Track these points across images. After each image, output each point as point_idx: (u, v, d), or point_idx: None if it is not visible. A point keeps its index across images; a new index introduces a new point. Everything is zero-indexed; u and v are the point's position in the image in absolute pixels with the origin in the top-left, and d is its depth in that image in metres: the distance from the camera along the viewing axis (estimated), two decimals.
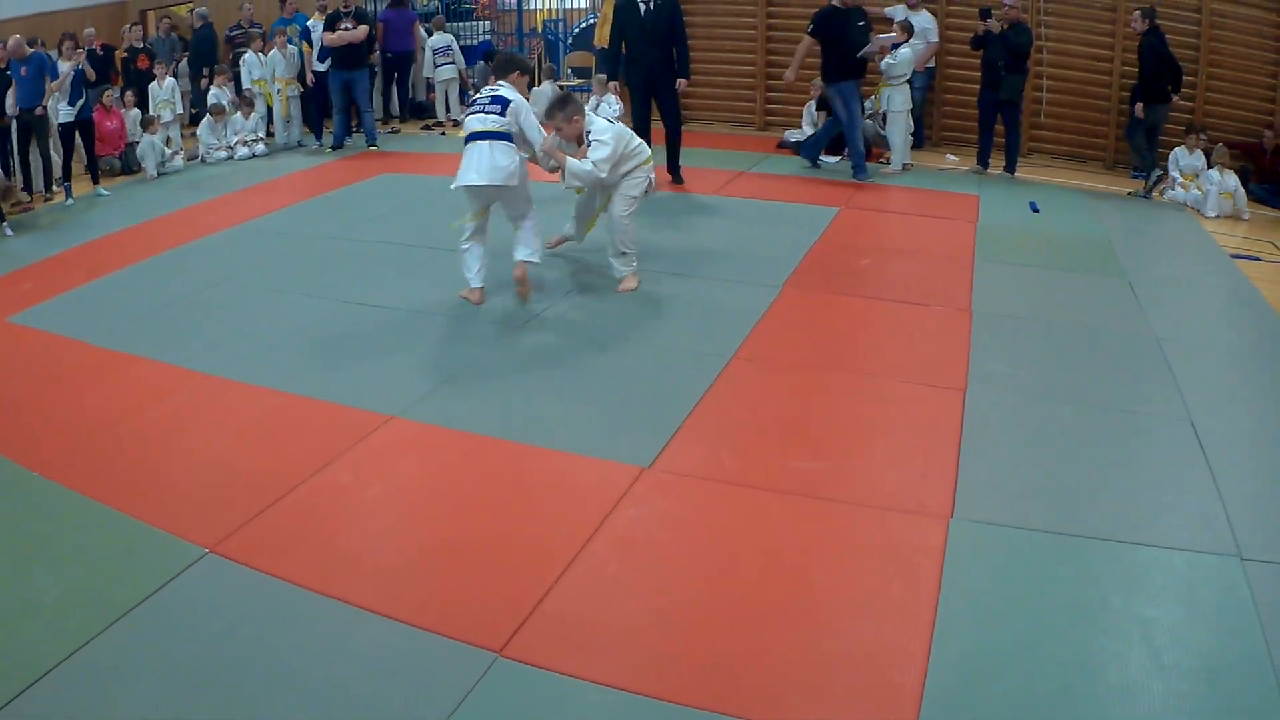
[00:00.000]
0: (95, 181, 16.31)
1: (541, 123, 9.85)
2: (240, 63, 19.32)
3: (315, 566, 5.91)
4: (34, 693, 5.01)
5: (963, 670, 4.84)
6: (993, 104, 15.05)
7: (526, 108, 9.64)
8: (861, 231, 12.12)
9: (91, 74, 16.31)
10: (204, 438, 7.65)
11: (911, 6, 16.30)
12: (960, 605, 5.31)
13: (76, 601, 5.76)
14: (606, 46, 18.27)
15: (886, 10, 16.73)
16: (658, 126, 14.58)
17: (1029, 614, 5.26)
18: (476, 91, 18.43)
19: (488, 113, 9.52)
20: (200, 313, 10.22)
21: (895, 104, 15.17)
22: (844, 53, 14.17)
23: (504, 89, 9.74)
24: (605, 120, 9.88)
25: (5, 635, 5.50)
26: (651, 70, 14.21)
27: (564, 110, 9.73)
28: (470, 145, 9.50)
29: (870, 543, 5.93)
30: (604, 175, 9.62)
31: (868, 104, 16.14)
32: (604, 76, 17.97)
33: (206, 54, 20.04)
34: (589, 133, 9.65)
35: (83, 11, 22.96)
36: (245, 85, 19.04)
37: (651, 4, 13.97)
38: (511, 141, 9.48)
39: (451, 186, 9.64)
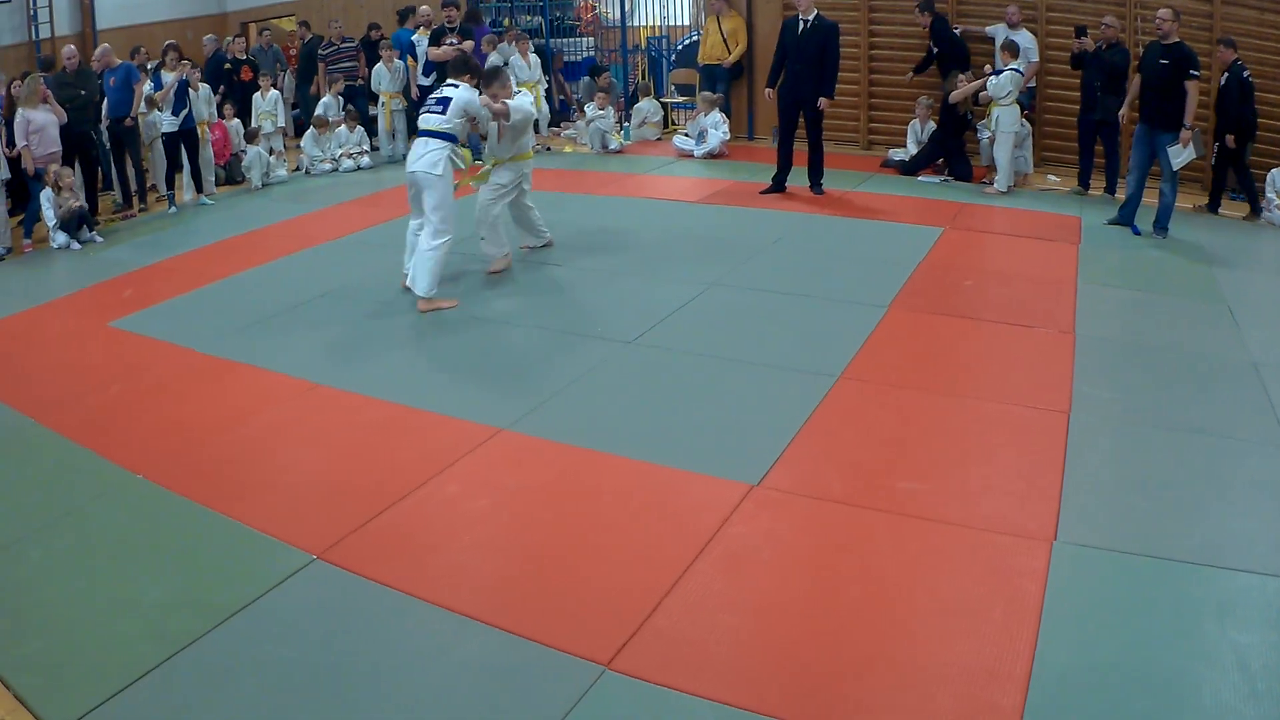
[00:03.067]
0: (199, 190, 16.60)
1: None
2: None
3: (422, 575, 5.98)
4: (132, 692, 5.13)
5: (1062, 692, 4.83)
6: (1091, 125, 14.82)
7: (468, 98, 10.75)
8: (966, 252, 12.06)
9: (196, 85, 16.58)
10: (311, 445, 7.77)
11: (1012, 26, 16.16)
12: (1061, 627, 5.28)
13: (178, 604, 5.87)
14: (710, 63, 18.48)
15: (988, 30, 16.65)
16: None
17: (1127, 637, 5.23)
18: (579, 107, 18.60)
19: (432, 113, 10.74)
20: (306, 323, 10.38)
21: (1003, 124, 15.04)
22: (1147, 91, 13.31)
23: (448, 89, 10.90)
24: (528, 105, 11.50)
25: (105, 635, 5.63)
26: (798, 87, 14.46)
27: (497, 79, 11.23)
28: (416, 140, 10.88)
29: (974, 564, 5.90)
30: (517, 118, 11.16)
31: (980, 126, 16.06)
32: (709, 94, 18.13)
33: (311, 67, 20.26)
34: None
35: (182, 22, 23.28)
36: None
37: (809, 24, 14.21)
38: (446, 141, 10.59)
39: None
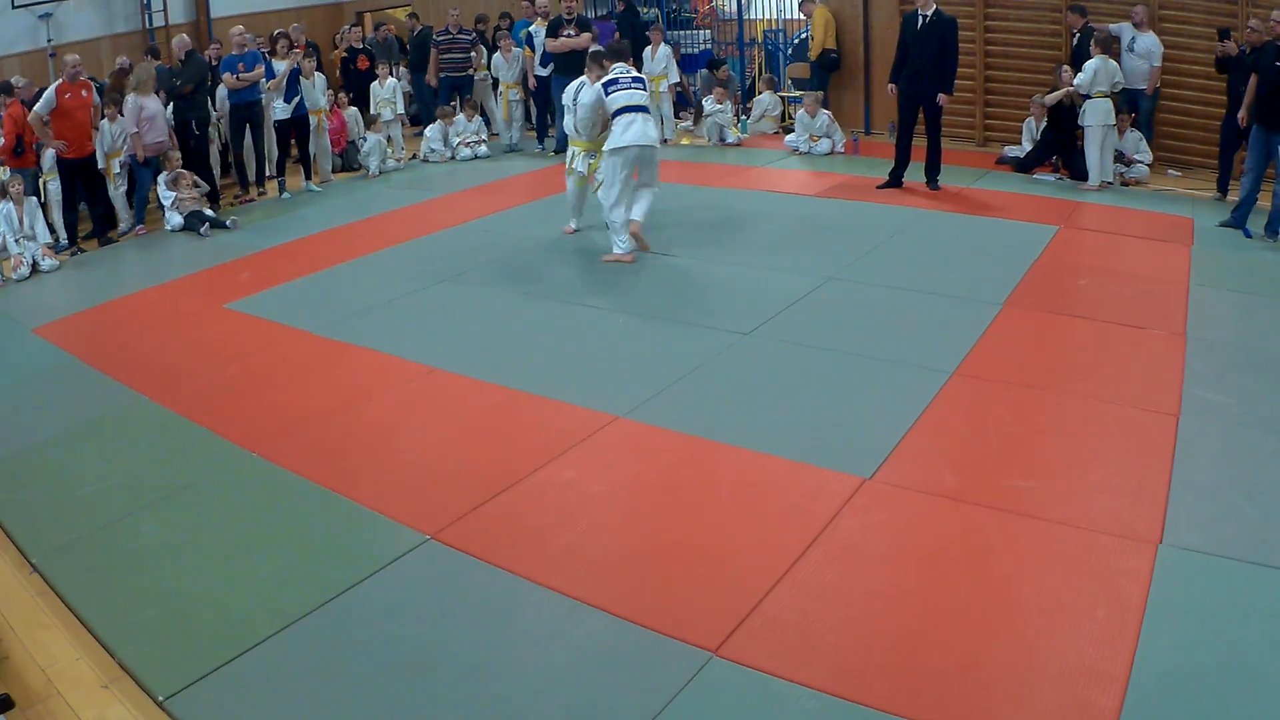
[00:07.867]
0: (307, 177, 16.97)
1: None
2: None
3: (535, 558, 6.09)
4: (241, 664, 5.32)
5: (1161, 695, 4.82)
6: (1235, 129, 14.17)
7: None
8: (1080, 251, 11.93)
9: (310, 74, 16.95)
10: (427, 428, 7.91)
11: (1137, 25, 15.93)
12: (1162, 630, 5.26)
13: (291, 579, 6.06)
14: (815, 59, 18.55)
15: (1111, 28, 16.40)
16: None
17: (1229, 643, 5.19)
18: (696, 101, 18.72)
19: (633, 89, 11.82)
20: (423, 308, 10.57)
21: (1089, 118, 14.79)
22: (1263, 92, 13.01)
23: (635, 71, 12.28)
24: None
25: (215, 608, 5.83)
26: (916, 82, 14.42)
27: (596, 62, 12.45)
28: (628, 116, 11.65)
29: (1079, 564, 5.89)
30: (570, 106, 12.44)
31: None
32: (814, 93, 18.15)
33: (424, 57, 20.27)
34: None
35: (298, 11, 23.53)
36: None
37: (928, 19, 14.16)
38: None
39: (613, 146, 11.64)
